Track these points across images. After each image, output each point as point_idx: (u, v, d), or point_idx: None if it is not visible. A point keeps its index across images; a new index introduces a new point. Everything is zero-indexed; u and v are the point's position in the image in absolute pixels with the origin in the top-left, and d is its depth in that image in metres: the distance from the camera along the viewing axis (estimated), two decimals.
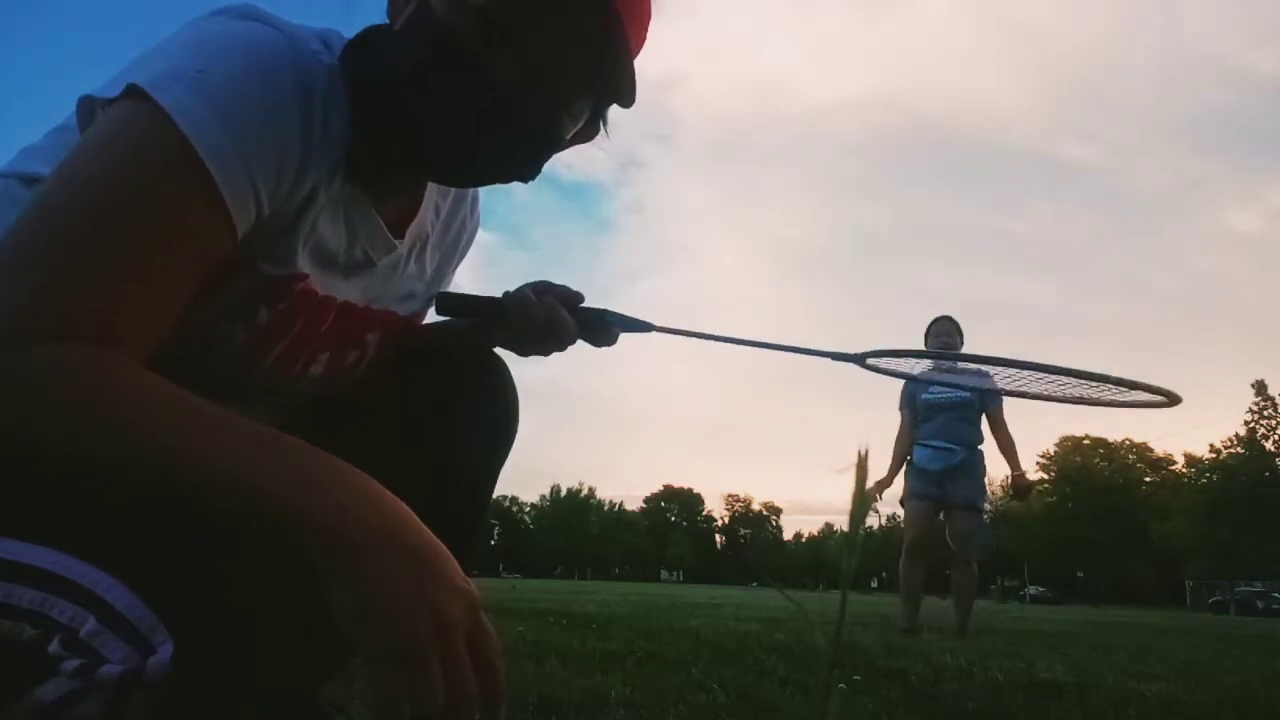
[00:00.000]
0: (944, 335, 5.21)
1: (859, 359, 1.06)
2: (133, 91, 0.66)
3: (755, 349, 1.04)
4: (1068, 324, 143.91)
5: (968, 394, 4.97)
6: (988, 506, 5.30)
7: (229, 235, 0.69)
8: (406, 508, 0.62)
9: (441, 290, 1.02)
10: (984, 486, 5.11)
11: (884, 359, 1.08)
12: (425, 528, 0.62)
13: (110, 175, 0.64)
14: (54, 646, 0.57)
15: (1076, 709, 2.00)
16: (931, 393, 5.05)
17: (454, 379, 0.96)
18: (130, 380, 0.61)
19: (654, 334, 0.98)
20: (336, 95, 0.74)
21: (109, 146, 0.66)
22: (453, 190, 0.97)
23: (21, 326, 0.59)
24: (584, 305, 0.97)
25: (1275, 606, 41.20)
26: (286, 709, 0.93)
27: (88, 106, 0.71)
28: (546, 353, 0.99)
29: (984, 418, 4.99)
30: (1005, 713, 1.87)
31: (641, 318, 0.99)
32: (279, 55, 0.70)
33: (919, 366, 1.21)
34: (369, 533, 0.58)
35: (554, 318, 0.94)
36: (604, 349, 1.00)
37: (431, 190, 0.92)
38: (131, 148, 0.65)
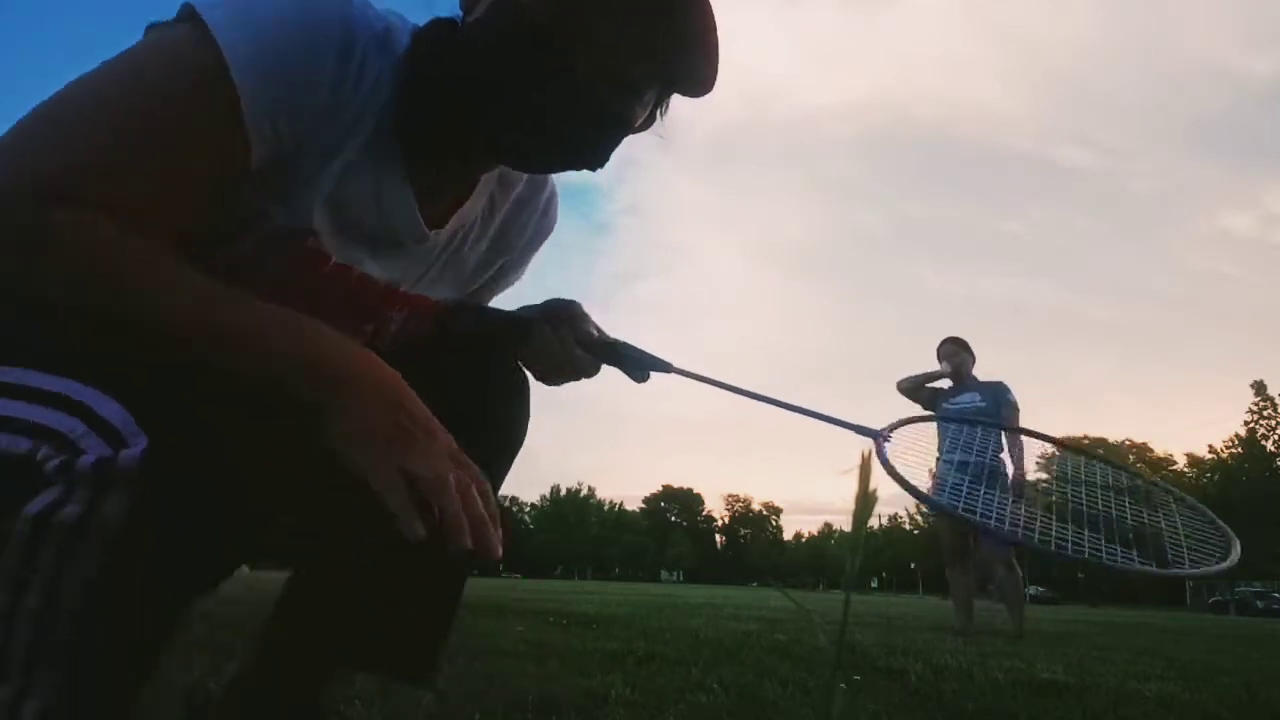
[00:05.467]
0: (952, 357, 5.26)
1: (881, 434, 1.02)
2: (186, 14, 0.71)
3: (761, 399, 1.00)
4: (1067, 325, 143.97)
5: (984, 404, 5.03)
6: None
7: (243, 158, 0.72)
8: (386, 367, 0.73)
9: (502, 280, 1.04)
10: (1006, 489, 5.09)
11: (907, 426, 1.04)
12: (398, 378, 0.72)
13: (145, 73, 0.70)
14: (44, 450, 0.64)
15: (1076, 709, 2.00)
16: (951, 404, 5.08)
17: (472, 375, 0.95)
18: (142, 244, 0.67)
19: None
20: (378, 57, 0.76)
21: (151, 53, 0.71)
22: (518, 190, 0.97)
23: (41, 186, 0.65)
24: (601, 340, 0.97)
25: (1275, 606, 41.22)
26: (287, 711, 0.93)
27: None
28: (573, 380, 0.99)
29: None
30: (1005, 713, 1.87)
31: (659, 355, 0.98)
32: (329, 6, 0.74)
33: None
34: (354, 369, 0.70)
35: (573, 360, 0.95)
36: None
37: (488, 184, 0.92)
38: (169, 59, 0.70)
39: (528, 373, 1.00)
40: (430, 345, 0.96)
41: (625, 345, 0.97)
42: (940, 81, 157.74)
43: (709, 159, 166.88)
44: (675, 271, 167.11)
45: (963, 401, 5.12)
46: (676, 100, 0.87)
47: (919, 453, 1.08)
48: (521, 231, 1.00)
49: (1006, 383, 5.27)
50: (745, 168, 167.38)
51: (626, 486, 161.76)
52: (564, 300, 1.00)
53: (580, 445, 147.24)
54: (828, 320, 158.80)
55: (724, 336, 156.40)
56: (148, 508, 0.65)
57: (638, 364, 0.96)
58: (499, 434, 0.98)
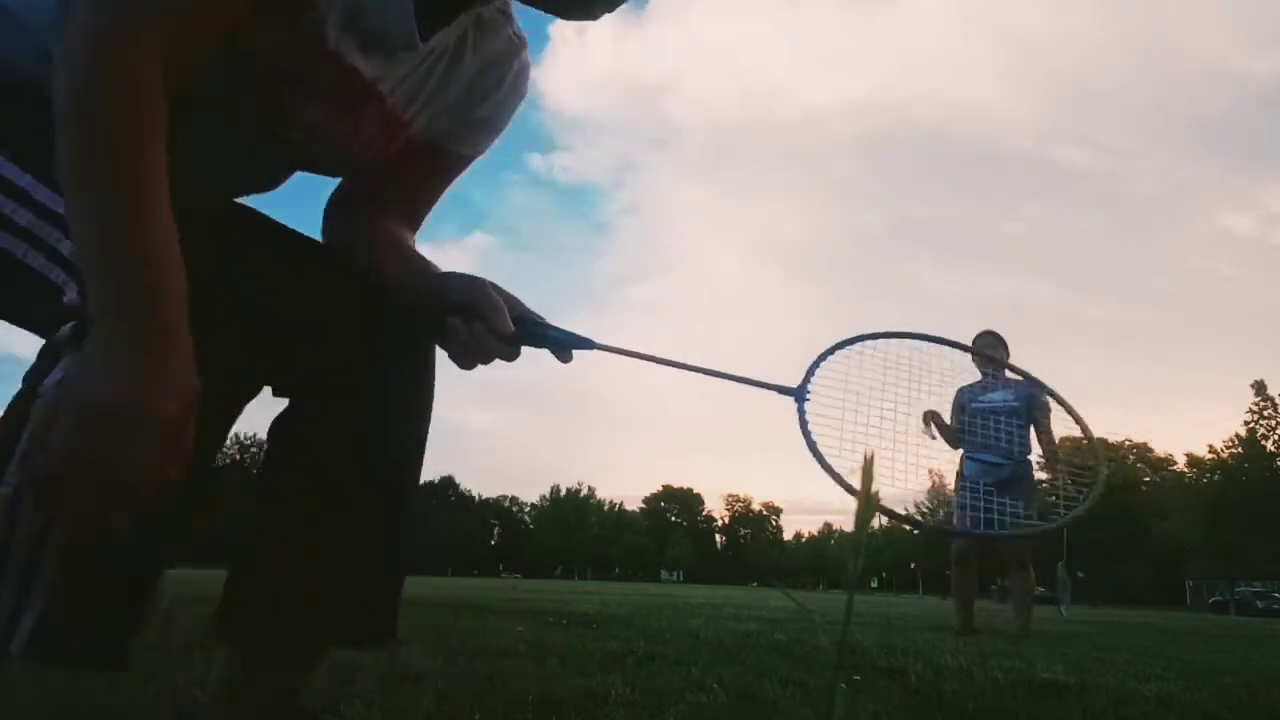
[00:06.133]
0: (987, 350, 5.19)
1: (801, 392, 1.00)
2: None
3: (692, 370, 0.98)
4: (1067, 325, 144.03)
5: (1016, 403, 4.94)
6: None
7: None
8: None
9: (475, 133, 1.06)
10: (1034, 493, 4.93)
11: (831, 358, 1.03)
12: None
13: None
14: (71, 295, 0.72)
15: (1076, 709, 2.00)
16: (980, 400, 4.99)
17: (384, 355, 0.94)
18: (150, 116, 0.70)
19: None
20: None
21: None
22: (493, 47, 1.01)
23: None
24: (524, 321, 0.94)
25: (1275, 606, 41.25)
26: (273, 711, 0.92)
27: None
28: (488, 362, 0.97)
29: (1031, 428, 4.85)
30: (1005, 713, 1.87)
31: (584, 334, 0.95)
32: None
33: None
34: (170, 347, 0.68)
35: (486, 349, 0.92)
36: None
37: (463, 23, 0.95)
38: None
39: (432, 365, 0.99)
40: (339, 321, 0.94)
41: (544, 327, 0.95)
42: (940, 81, 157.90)
43: (709, 159, 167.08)
44: (675, 271, 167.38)
45: (994, 399, 5.05)
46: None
47: (845, 395, 1.04)
48: (497, 84, 1.05)
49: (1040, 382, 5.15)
50: (745, 168, 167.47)
51: (626, 486, 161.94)
52: (474, 282, 0.95)
53: (580, 445, 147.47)
54: (828, 320, 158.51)
55: (724, 336, 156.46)
56: None
57: (560, 345, 0.95)
58: (405, 424, 0.96)
